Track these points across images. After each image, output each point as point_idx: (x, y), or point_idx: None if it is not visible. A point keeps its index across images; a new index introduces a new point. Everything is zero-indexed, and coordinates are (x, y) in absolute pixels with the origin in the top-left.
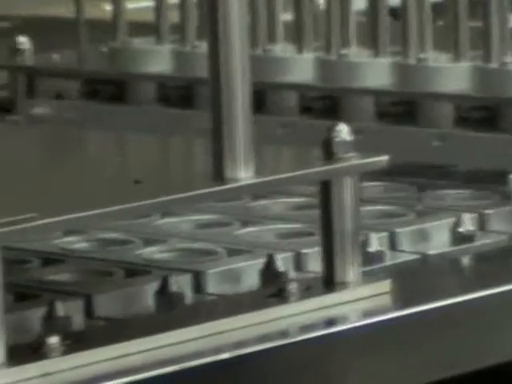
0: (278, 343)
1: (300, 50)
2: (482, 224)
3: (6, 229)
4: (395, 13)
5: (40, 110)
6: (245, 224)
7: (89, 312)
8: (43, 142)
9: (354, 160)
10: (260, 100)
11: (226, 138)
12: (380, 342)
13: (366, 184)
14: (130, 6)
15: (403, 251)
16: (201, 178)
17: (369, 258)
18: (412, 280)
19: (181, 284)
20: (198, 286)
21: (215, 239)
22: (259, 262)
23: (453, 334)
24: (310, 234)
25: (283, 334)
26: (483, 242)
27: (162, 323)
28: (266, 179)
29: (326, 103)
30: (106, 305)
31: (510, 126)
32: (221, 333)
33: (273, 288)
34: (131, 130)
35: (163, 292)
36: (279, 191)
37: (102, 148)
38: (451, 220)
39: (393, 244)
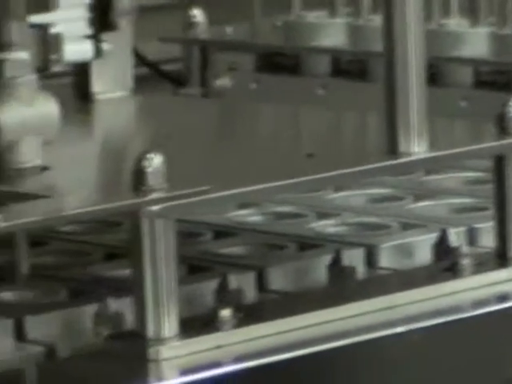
0: (450, 318)
1: (474, 23)
2: None
3: (180, 201)
4: None
5: (214, 83)
6: (418, 198)
7: (261, 285)
8: (217, 115)
9: None
10: (434, 74)
11: (400, 112)
12: None
13: None
14: None
15: None
16: (374, 152)
17: None
18: None
19: (353, 258)
20: (371, 260)
21: (388, 213)
22: (432, 237)
23: None
24: (484, 208)
25: (456, 308)
26: None
27: (334, 297)
28: (439, 153)
29: (501, 77)
30: (278, 278)
31: None
32: (393, 307)
33: (445, 263)
34: (304, 103)
35: (335, 266)
36: (453, 165)
37: (274, 121)
38: None
39: None
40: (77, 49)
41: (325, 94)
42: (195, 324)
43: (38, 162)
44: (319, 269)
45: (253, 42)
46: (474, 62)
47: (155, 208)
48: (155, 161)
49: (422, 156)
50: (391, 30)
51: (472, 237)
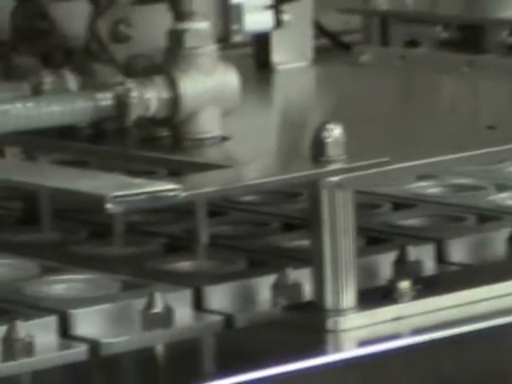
0: None
1: None
2: None
3: (358, 173)
4: None
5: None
6: None
7: (440, 257)
8: (394, 86)
9: None
10: None
11: None
12: None
13: None
14: None
15: None
16: None
17: None
18: None
19: None
20: None
21: None
22: None
23: None
24: None
25: None
26: None
27: None
28: None
29: None
30: (458, 250)
31: None
32: None
33: None
34: (485, 76)
35: None
36: None
37: (454, 93)
38: None
39: None
40: (257, 19)
41: (504, 67)
42: (373, 296)
43: (217, 132)
44: (498, 241)
45: (433, 13)
46: None
47: (335, 179)
48: (335, 132)
49: None
50: None
51: None
